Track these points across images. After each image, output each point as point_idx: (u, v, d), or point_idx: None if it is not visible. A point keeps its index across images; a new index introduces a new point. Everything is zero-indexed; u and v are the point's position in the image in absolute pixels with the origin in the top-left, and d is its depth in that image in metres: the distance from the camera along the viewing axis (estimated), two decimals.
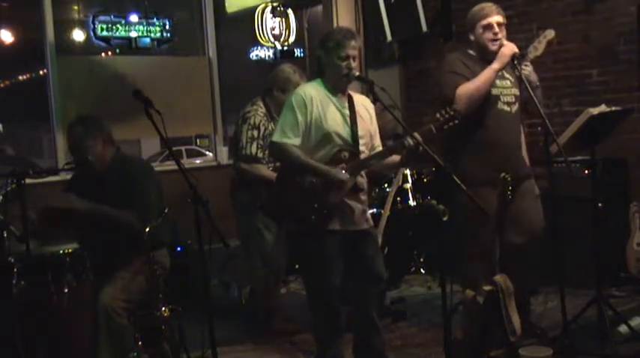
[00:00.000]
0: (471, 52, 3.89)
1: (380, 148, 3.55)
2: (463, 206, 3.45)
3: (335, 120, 3.37)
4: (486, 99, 3.73)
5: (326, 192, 3.31)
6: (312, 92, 3.38)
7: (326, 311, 3.47)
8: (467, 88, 3.66)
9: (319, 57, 3.41)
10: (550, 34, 3.85)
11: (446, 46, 6.38)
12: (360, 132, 3.41)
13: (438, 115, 3.29)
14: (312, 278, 3.51)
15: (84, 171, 3.76)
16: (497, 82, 3.78)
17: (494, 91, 3.78)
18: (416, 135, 3.23)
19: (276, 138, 3.36)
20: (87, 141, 3.61)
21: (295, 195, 3.35)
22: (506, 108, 3.81)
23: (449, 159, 3.86)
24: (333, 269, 3.40)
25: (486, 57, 3.76)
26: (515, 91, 3.85)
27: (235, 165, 4.49)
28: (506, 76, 3.83)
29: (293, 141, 3.32)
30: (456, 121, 3.29)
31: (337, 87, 3.42)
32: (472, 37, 3.84)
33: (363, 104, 3.55)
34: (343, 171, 3.32)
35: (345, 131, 3.38)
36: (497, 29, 3.73)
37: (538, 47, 3.84)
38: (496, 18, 3.75)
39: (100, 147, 3.64)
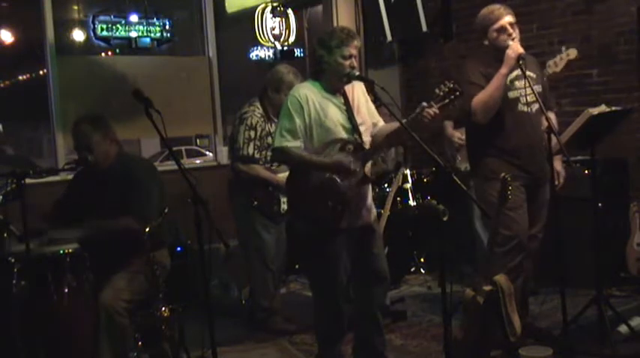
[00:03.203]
0: (485, 52, 3.84)
1: (382, 122, 3.56)
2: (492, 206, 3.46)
3: (335, 116, 3.37)
4: (505, 104, 3.72)
5: (338, 189, 3.30)
6: (307, 92, 3.38)
7: (331, 311, 3.47)
8: (480, 100, 3.67)
9: (321, 56, 3.39)
10: (573, 53, 3.83)
11: (446, 47, 6.40)
12: (359, 121, 3.42)
13: (437, 91, 3.26)
14: (320, 278, 3.51)
15: (85, 170, 3.76)
16: (517, 83, 3.76)
17: (514, 94, 3.76)
18: (415, 127, 3.22)
19: (276, 143, 3.36)
20: (95, 137, 3.62)
21: (308, 195, 3.34)
22: (526, 109, 3.79)
23: (474, 159, 3.91)
24: (341, 269, 3.42)
25: (499, 58, 3.69)
26: (537, 88, 3.77)
27: (233, 166, 4.50)
28: (528, 73, 3.73)
29: (293, 143, 3.32)
30: (457, 94, 3.25)
31: (335, 86, 3.42)
32: (486, 42, 3.79)
33: (355, 90, 3.51)
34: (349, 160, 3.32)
35: (345, 125, 3.38)
36: (510, 30, 3.70)
37: (558, 64, 3.82)
38: (507, 18, 3.71)
39: (106, 145, 3.65)
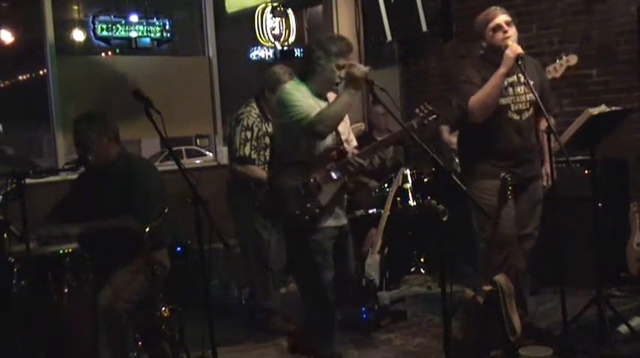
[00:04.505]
0: (483, 54, 3.84)
1: (354, 141, 3.61)
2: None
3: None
4: (496, 110, 3.71)
5: (317, 192, 3.34)
6: (302, 91, 3.40)
7: (325, 307, 3.48)
8: (478, 99, 3.67)
9: (318, 58, 3.38)
10: (573, 59, 3.84)
11: (446, 46, 6.39)
12: (340, 129, 3.46)
13: (417, 111, 3.34)
14: (310, 275, 3.49)
15: (87, 170, 3.77)
16: (510, 90, 3.76)
17: (505, 101, 3.75)
18: (413, 131, 3.25)
19: (308, 118, 3.27)
20: (91, 136, 3.61)
21: (287, 196, 3.35)
22: (515, 116, 3.79)
23: (465, 163, 3.95)
24: (329, 265, 3.44)
25: (497, 60, 3.68)
26: (531, 97, 3.74)
27: (231, 167, 4.51)
28: (522, 80, 3.74)
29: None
30: (435, 116, 3.33)
31: (322, 91, 3.45)
32: (484, 44, 3.79)
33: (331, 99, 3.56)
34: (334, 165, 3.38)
35: None
36: (506, 27, 3.71)
37: (558, 69, 3.83)
38: (502, 17, 3.73)
39: (104, 144, 3.64)
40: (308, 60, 3.43)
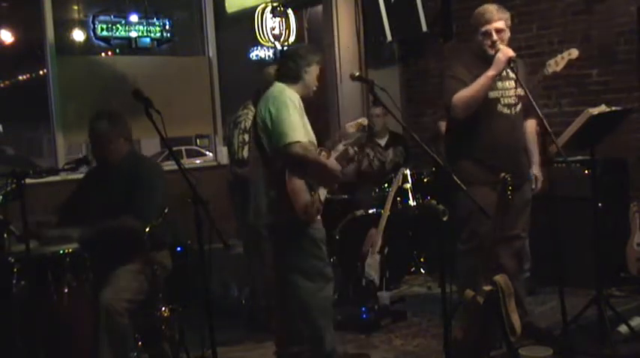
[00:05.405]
0: (476, 51, 3.83)
1: None
2: (463, 204, 3.47)
3: (307, 124, 3.51)
4: (485, 103, 3.71)
5: (318, 189, 3.46)
6: (294, 101, 3.46)
7: (329, 296, 3.56)
8: (462, 96, 3.66)
9: (307, 64, 3.51)
10: (574, 53, 3.83)
11: (446, 46, 6.39)
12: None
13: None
14: (318, 264, 3.54)
15: (95, 168, 3.78)
16: (499, 83, 3.76)
17: (494, 94, 3.75)
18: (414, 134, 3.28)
19: (295, 137, 3.33)
20: (110, 136, 3.64)
21: (300, 191, 3.40)
22: (505, 110, 3.79)
23: (450, 160, 3.92)
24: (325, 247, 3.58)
25: (489, 58, 3.70)
26: (520, 91, 3.77)
27: (231, 169, 4.53)
28: (511, 75, 3.75)
29: (305, 139, 3.41)
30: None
31: (302, 95, 3.53)
32: (476, 38, 3.80)
33: None
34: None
35: (312, 134, 3.55)
36: (495, 37, 3.68)
37: (559, 63, 3.82)
38: (496, 24, 3.68)
39: (121, 144, 3.67)
40: (296, 66, 3.51)
